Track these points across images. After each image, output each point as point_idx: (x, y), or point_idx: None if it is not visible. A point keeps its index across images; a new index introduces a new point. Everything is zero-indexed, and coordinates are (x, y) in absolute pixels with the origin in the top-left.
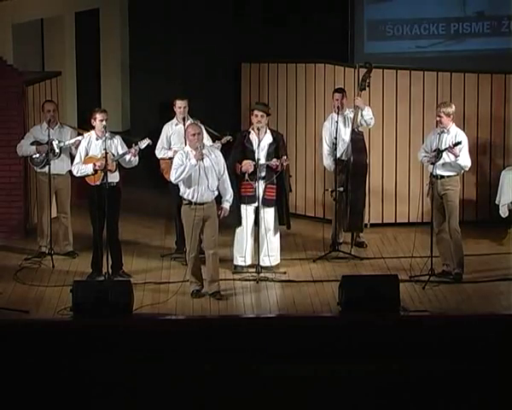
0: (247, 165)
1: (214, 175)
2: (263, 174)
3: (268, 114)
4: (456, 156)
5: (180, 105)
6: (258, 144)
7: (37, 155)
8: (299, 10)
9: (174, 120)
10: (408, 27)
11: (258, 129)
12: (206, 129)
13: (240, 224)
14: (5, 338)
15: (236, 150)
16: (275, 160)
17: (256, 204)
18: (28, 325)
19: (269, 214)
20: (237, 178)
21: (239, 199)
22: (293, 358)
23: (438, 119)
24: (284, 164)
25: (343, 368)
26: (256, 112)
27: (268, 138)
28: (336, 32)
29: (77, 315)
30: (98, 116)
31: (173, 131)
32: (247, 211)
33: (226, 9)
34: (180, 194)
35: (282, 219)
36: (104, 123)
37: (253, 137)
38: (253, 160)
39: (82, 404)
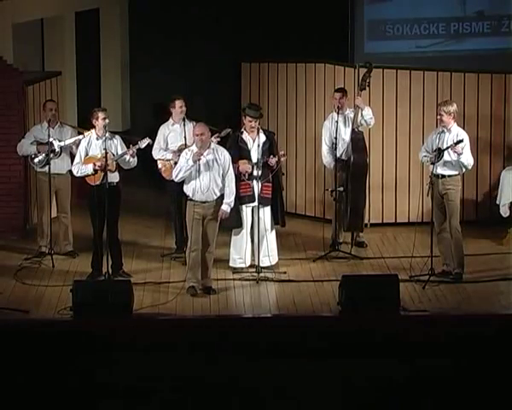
0: (245, 164)
1: (216, 175)
2: (259, 173)
3: (261, 117)
4: (459, 154)
5: (181, 104)
6: (253, 144)
7: (38, 155)
8: (299, 10)
9: (170, 121)
10: (408, 27)
11: (257, 131)
12: None
13: (240, 225)
14: (5, 338)
15: (231, 151)
16: (272, 157)
17: (254, 203)
18: (28, 325)
19: (266, 213)
20: (235, 179)
21: (238, 200)
22: (293, 358)
23: (438, 117)
24: (282, 159)
25: (343, 368)
26: (249, 118)
27: (261, 137)
28: (336, 32)
29: (77, 315)
30: (100, 115)
31: (170, 130)
32: (246, 212)
33: (226, 9)
34: (183, 190)
35: (277, 217)
36: (107, 121)
37: (247, 137)
38: (249, 159)
39: (82, 404)
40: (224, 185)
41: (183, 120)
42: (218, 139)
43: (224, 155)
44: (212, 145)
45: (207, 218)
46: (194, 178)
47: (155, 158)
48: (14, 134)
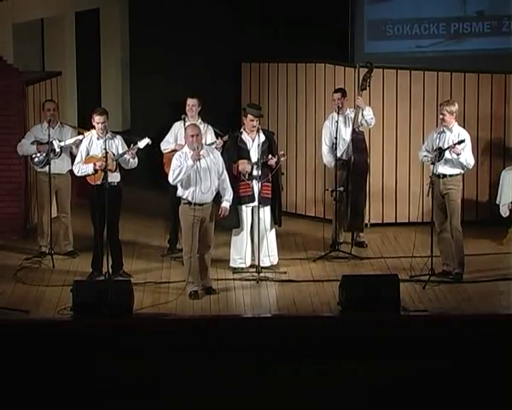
0: (244, 164)
1: (213, 175)
2: (259, 173)
3: (262, 117)
4: (458, 155)
5: (189, 103)
6: (252, 144)
7: (38, 155)
8: (300, 10)
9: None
10: (408, 27)
11: (257, 131)
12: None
13: (238, 225)
14: (5, 338)
15: (230, 151)
16: (271, 157)
17: (254, 203)
18: (28, 325)
19: (266, 213)
20: (234, 179)
21: (237, 200)
22: (294, 358)
23: (441, 117)
24: (282, 159)
25: (343, 368)
26: (251, 117)
27: (261, 137)
28: (336, 32)
29: (77, 315)
30: (96, 118)
31: (180, 128)
32: (246, 212)
33: (226, 9)
34: (178, 195)
35: (274, 216)
36: (101, 126)
37: (246, 137)
38: (249, 159)
39: (81, 404)
40: (219, 185)
41: (184, 120)
42: (221, 142)
43: (218, 155)
44: (205, 147)
45: (206, 220)
46: (193, 180)
47: (162, 150)
48: (14, 134)
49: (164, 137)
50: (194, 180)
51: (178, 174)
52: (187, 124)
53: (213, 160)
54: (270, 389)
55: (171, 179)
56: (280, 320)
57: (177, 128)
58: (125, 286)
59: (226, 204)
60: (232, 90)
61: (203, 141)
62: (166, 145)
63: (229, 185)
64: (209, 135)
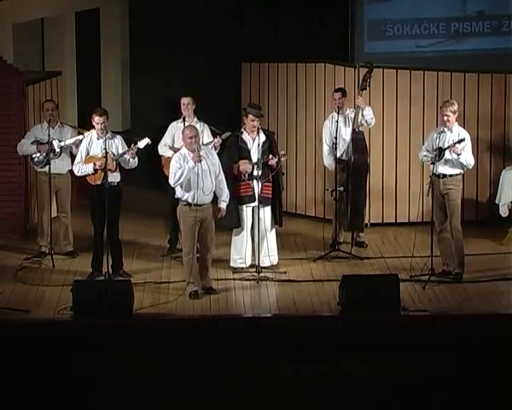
0: (245, 164)
1: (212, 177)
2: (259, 173)
3: (262, 116)
4: (458, 154)
5: (184, 102)
6: (253, 144)
7: (38, 155)
8: (300, 10)
9: (180, 119)
10: (408, 27)
11: (257, 131)
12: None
13: (239, 225)
14: (5, 338)
15: (231, 151)
16: (271, 157)
17: (255, 203)
18: (28, 325)
19: (266, 213)
20: (234, 179)
21: (238, 200)
22: (293, 358)
23: (445, 118)
24: (283, 159)
25: (343, 368)
26: (252, 117)
27: (261, 137)
28: (336, 32)
29: (77, 315)
30: (96, 119)
31: (177, 128)
32: (246, 212)
33: (226, 9)
34: (176, 196)
35: (275, 216)
36: (100, 126)
37: (247, 137)
38: (249, 159)
39: (81, 404)
40: (216, 186)
41: (184, 119)
42: (220, 140)
43: (215, 156)
44: (202, 147)
45: (206, 220)
46: (194, 182)
47: (159, 153)
48: (14, 134)
49: (162, 138)
50: (195, 182)
51: (180, 176)
52: (187, 124)
53: (212, 160)
54: (270, 389)
55: (172, 182)
56: (280, 320)
57: (175, 128)
58: (125, 286)
59: (223, 205)
60: (232, 90)
61: (200, 141)
62: (165, 149)
63: (225, 186)
64: (206, 134)
